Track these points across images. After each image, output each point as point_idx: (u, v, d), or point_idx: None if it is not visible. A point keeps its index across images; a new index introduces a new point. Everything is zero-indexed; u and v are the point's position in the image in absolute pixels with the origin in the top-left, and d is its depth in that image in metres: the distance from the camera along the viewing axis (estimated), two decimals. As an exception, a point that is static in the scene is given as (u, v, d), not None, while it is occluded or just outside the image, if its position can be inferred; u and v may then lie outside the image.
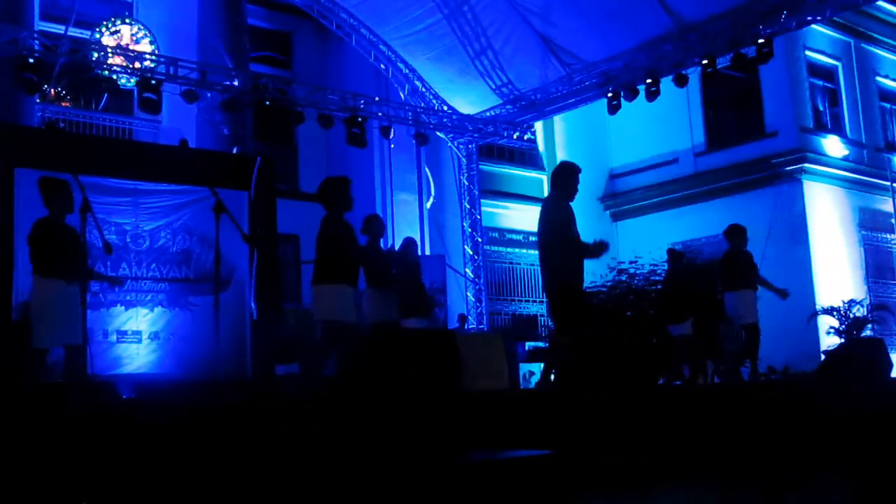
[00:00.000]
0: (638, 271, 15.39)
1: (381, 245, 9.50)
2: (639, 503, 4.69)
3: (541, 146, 20.59)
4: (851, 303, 16.08)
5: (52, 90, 14.50)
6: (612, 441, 4.72)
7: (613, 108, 14.43)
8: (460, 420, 3.59)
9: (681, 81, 13.62)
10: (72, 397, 6.76)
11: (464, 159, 17.33)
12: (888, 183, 18.99)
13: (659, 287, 12.71)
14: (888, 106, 21.13)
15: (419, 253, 11.69)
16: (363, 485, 3.21)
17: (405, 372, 3.25)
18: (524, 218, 19.55)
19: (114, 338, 10.99)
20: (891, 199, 18.89)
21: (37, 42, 11.93)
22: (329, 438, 3.53)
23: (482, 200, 17.54)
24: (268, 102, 13.40)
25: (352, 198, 7.63)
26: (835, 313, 15.85)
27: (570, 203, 7.63)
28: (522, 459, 3.80)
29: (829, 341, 15.39)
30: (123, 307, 11.04)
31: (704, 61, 13.07)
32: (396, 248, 10.67)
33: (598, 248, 7.43)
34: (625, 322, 13.26)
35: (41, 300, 7.05)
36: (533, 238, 19.25)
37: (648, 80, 13.70)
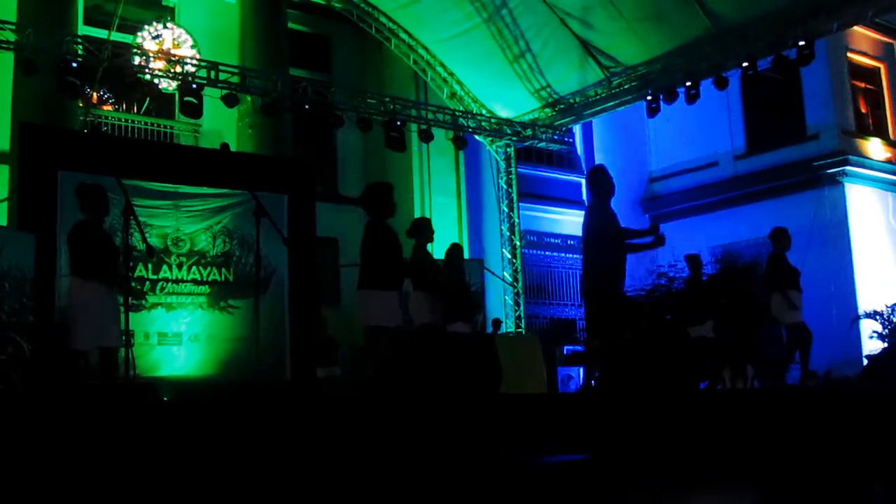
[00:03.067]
0: (678, 275, 15.26)
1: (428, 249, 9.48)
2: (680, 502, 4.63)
3: (579, 149, 20.49)
4: (895, 307, 15.81)
5: (95, 94, 14.65)
6: (650, 447, 4.65)
7: (652, 111, 14.30)
8: (500, 423, 3.55)
9: (721, 84, 13.46)
10: (108, 399, 6.80)
11: (502, 163, 17.25)
12: (931, 186, 18.70)
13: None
14: (932, 108, 20.79)
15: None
16: (400, 486, 3.18)
17: (447, 375, 3.23)
18: (562, 221, 19.47)
19: (154, 340, 11.08)
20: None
21: (80, 46, 12.05)
22: (368, 440, 3.51)
23: (520, 204, 17.45)
24: (307, 106, 13.43)
25: (395, 203, 7.62)
26: (878, 317, 15.60)
27: (611, 204, 7.62)
28: (561, 464, 3.75)
29: (871, 346, 15.15)
30: (164, 309, 11.12)
31: (745, 63, 12.90)
32: (436, 251, 10.63)
33: (649, 233, 7.42)
34: (664, 326, 13.14)
35: (78, 302, 7.09)
36: (571, 242, 19.28)
37: (688, 83, 13.56)
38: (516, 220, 17.23)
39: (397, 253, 7.39)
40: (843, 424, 5.44)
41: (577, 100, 15.55)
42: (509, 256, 17.08)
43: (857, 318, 15.81)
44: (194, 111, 12.40)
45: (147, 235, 10.75)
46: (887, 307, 15.92)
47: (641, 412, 4.81)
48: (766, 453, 5.30)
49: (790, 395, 7.32)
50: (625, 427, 4.64)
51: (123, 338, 7.37)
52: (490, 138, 16.91)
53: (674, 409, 4.96)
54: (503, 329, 15.75)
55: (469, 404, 3.30)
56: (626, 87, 14.65)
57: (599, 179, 7.78)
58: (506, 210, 17.26)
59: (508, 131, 16.58)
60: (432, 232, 9.18)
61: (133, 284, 10.91)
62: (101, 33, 13.56)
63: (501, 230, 17.27)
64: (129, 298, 7.81)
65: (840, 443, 5.27)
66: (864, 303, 16.55)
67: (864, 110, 19.23)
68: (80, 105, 13.48)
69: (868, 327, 15.95)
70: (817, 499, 5.02)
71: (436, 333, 6.95)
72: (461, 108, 16.08)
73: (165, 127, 15.36)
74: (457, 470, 3.29)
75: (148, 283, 11.01)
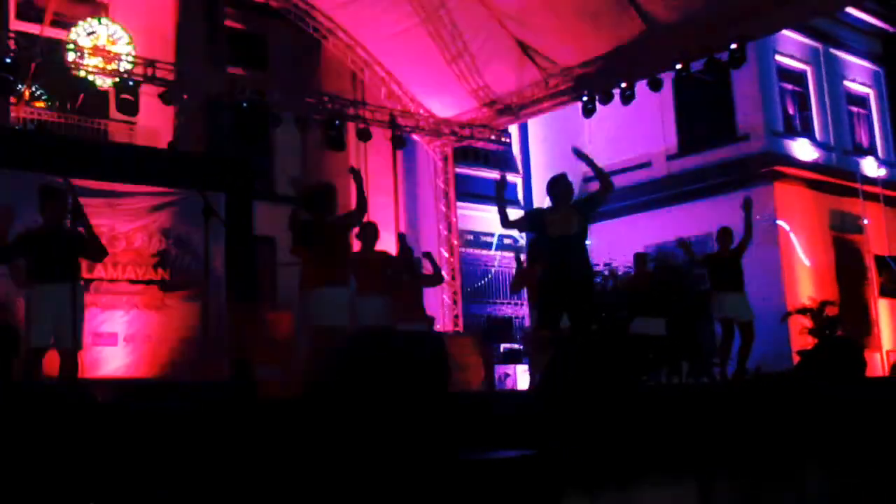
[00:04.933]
0: (616, 273, 15.41)
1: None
2: (622, 501, 4.68)
3: (516, 149, 20.60)
4: (824, 303, 16.17)
5: (26, 90, 14.31)
6: (594, 441, 4.69)
7: (588, 112, 14.45)
8: (449, 421, 3.55)
9: (655, 86, 13.66)
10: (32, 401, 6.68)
11: (440, 162, 17.29)
12: (856, 185, 19.16)
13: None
14: (855, 110, 21.33)
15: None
16: (351, 486, 3.16)
17: (393, 376, 3.22)
18: (498, 221, 19.51)
19: (90, 340, 10.87)
20: (860, 201, 19.06)
21: (11, 42, 11.78)
22: (315, 440, 3.48)
23: (458, 203, 17.50)
24: (245, 105, 13.30)
25: (336, 203, 7.64)
26: (808, 313, 15.94)
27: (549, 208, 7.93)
28: (507, 460, 3.76)
29: (801, 341, 15.47)
30: (99, 309, 10.92)
31: (678, 66, 13.12)
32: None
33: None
34: (614, 322, 13.28)
35: (32, 302, 7.03)
36: (508, 240, 19.35)
37: (623, 85, 13.73)
38: (454, 220, 17.27)
39: (345, 252, 7.40)
40: (777, 414, 5.56)
41: (515, 100, 15.63)
42: (447, 256, 17.11)
43: (786, 315, 16.13)
44: (131, 108, 12.22)
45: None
46: (818, 303, 16.26)
47: (584, 408, 4.85)
48: (705, 444, 5.39)
49: (727, 389, 7.46)
50: (568, 423, 4.67)
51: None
52: (428, 138, 16.92)
53: (617, 405, 5.02)
54: (437, 327, 15.75)
55: (417, 403, 3.30)
56: (562, 87, 14.77)
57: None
58: (444, 209, 17.28)
59: (446, 131, 16.61)
60: (377, 234, 9.18)
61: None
62: (33, 29, 13.26)
63: (439, 229, 17.30)
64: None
65: (775, 430, 5.40)
66: (795, 299, 16.89)
67: (791, 112, 19.63)
68: (13, 102, 13.18)
69: (798, 323, 16.27)
70: (755, 483, 5.13)
71: (380, 334, 6.95)
72: (399, 108, 16.07)
73: (99, 124, 15.06)
74: (402, 468, 3.28)
75: (82, 282, 10.80)
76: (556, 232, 7.67)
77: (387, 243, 11.04)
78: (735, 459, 5.22)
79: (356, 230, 8.93)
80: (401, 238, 10.70)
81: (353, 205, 8.40)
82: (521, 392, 8.02)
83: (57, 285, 6.93)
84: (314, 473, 3.29)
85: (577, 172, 21.04)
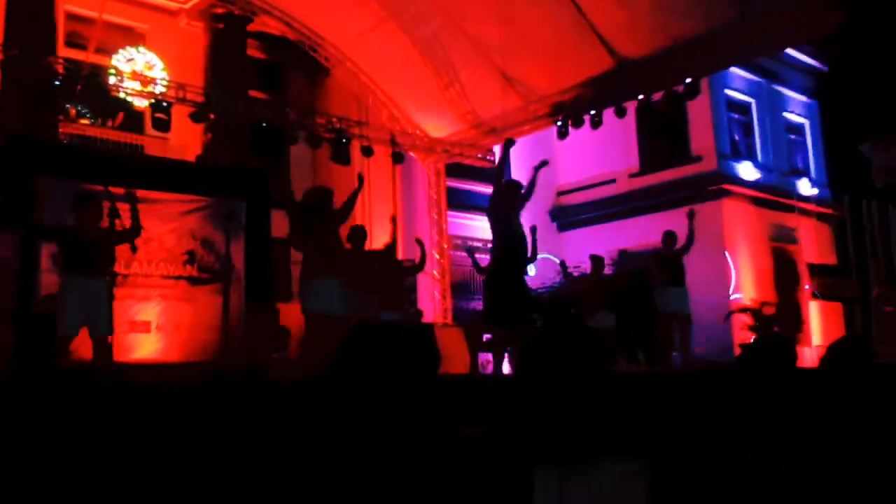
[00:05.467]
0: (581, 274, 15.42)
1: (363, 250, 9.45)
2: (584, 472, 4.67)
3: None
4: (763, 304, 16.24)
5: (73, 109, 14.28)
6: (561, 423, 4.68)
7: (562, 134, 14.48)
8: (441, 403, 3.55)
9: (621, 113, 13.69)
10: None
11: (433, 176, 17.29)
12: (793, 203, 19.27)
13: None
14: (793, 137, 21.43)
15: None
16: (355, 465, 3.16)
17: (390, 362, 3.22)
18: (485, 227, 19.52)
19: (127, 328, 10.86)
20: (795, 216, 19.16)
21: (60, 66, 11.75)
22: (316, 419, 3.48)
23: (448, 212, 17.51)
24: (264, 124, 13.30)
25: (333, 206, 7.64)
26: (749, 312, 16.00)
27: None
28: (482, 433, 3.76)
29: (741, 336, 15.54)
30: (135, 300, 10.92)
31: (641, 96, 13.17)
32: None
33: None
34: (567, 317, 13.30)
35: (65, 294, 6.98)
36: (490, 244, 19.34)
37: (593, 111, 13.76)
38: (444, 226, 17.28)
39: (337, 250, 7.39)
40: (719, 399, 5.57)
41: (499, 123, 15.65)
42: (438, 257, 17.12)
43: (730, 313, 16.19)
44: (163, 126, 12.20)
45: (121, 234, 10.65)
46: (758, 304, 16.32)
47: (539, 393, 4.83)
48: (653, 428, 5.39)
49: (674, 376, 7.47)
50: (524, 406, 4.65)
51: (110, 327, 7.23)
52: (423, 154, 16.93)
53: (569, 391, 5.01)
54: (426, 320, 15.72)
55: (413, 387, 3.30)
56: (540, 112, 14.78)
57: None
58: (435, 217, 17.29)
59: (439, 149, 16.62)
60: (365, 236, 9.19)
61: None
62: (79, 55, 13.23)
63: (432, 234, 17.29)
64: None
65: (718, 415, 5.41)
66: (737, 300, 16.97)
67: (737, 138, 19.71)
68: (61, 119, 13.14)
69: (739, 321, 16.34)
70: (698, 461, 5.14)
71: (375, 325, 6.95)
72: (398, 128, 16.07)
73: (136, 140, 15.03)
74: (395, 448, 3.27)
75: (120, 276, 10.80)
76: (519, 231, 7.65)
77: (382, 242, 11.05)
78: (684, 440, 5.23)
79: (346, 232, 8.87)
80: (389, 249, 10.54)
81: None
82: (503, 376, 8.01)
83: (89, 279, 6.88)
84: (316, 449, 3.29)
85: (550, 186, 21.19)
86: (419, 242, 10.82)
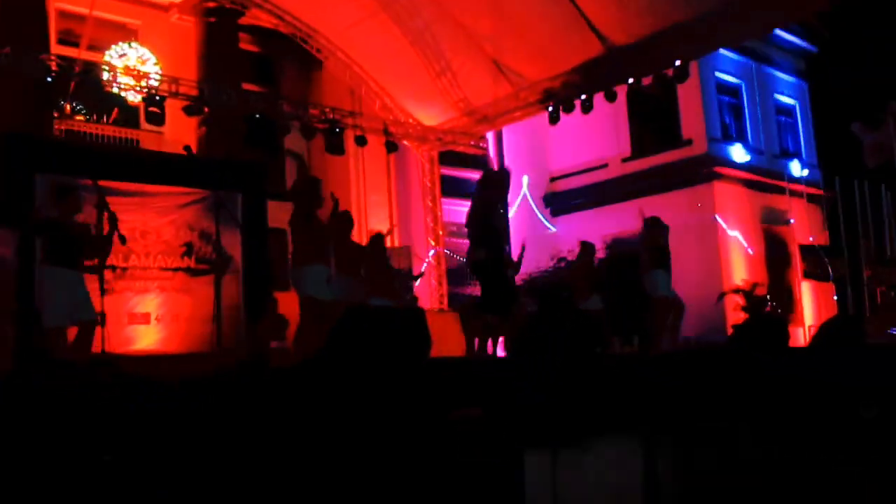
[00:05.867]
0: (573, 261, 15.48)
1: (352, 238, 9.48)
2: (578, 455, 4.71)
3: (492, 152, 20.59)
4: (755, 285, 16.30)
5: (68, 105, 14.26)
6: (552, 403, 4.72)
7: (554, 120, 14.49)
8: (431, 386, 3.59)
9: (611, 97, 13.71)
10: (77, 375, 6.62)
11: (427, 164, 17.29)
12: (784, 185, 19.29)
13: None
14: (783, 119, 21.46)
15: (387, 245, 11.65)
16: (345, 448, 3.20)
17: (381, 344, 3.27)
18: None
19: (126, 320, 10.88)
20: (787, 198, 19.19)
21: (53, 63, 11.73)
22: (312, 403, 3.51)
23: (443, 199, 17.52)
24: (258, 116, 13.29)
25: (323, 196, 7.69)
26: (741, 293, 16.07)
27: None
28: (476, 416, 3.80)
29: (733, 317, 15.61)
30: (134, 293, 10.93)
31: (631, 80, 13.18)
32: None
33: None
34: (558, 301, 13.34)
35: (48, 285, 6.95)
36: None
37: (583, 96, 13.77)
38: (439, 214, 17.29)
39: (324, 236, 7.45)
40: (713, 379, 5.61)
41: (491, 110, 15.66)
42: (433, 244, 17.15)
43: (722, 294, 16.26)
44: (158, 120, 12.19)
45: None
46: (750, 285, 16.39)
47: (535, 381, 4.87)
48: (648, 408, 5.43)
49: (665, 357, 7.49)
50: (532, 385, 4.69)
51: (99, 314, 7.23)
52: (416, 143, 16.93)
53: (563, 373, 5.05)
54: (421, 306, 15.79)
55: (404, 369, 3.35)
56: (531, 99, 14.79)
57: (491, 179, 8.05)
58: (430, 205, 17.31)
59: (432, 137, 16.62)
60: (352, 222, 9.22)
61: (105, 272, 10.79)
62: (72, 52, 13.20)
63: (426, 222, 17.32)
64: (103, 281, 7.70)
65: (711, 394, 5.44)
66: (730, 282, 17.03)
67: (728, 121, 19.73)
68: (56, 116, 13.12)
69: (732, 302, 16.42)
70: (692, 440, 5.18)
71: (364, 309, 6.99)
72: (391, 118, 16.07)
73: (132, 135, 15.03)
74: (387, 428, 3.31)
75: (118, 269, 10.82)
76: (503, 222, 7.68)
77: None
78: (675, 421, 5.27)
79: (331, 219, 8.88)
80: (376, 238, 10.41)
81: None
82: (495, 358, 8.06)
83: (69, 270, 6.87)
84: (313, 434, 3.32)
85: (543, 172, 21.23)
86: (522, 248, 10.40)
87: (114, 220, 7.44)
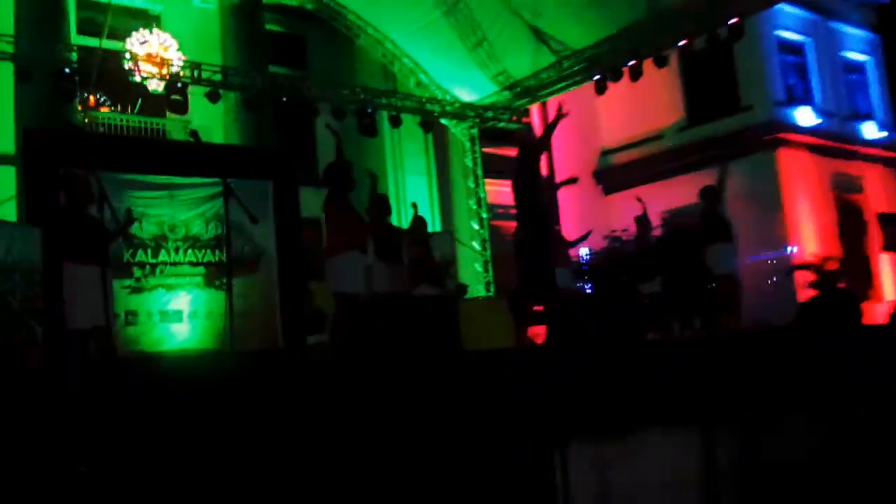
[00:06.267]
0: (629, 238, 15.30)
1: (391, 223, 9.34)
2: (626, 449, 4.65)
3: (537, 128, 20.44)
4: (825, 258, 15.92)
5: (92, 97, 14.46)
6: (600, 393, 4.67)
7: (600, 90, 14.30)
8: (460, 374, 3.56)
9: (660, 62, 13.46)
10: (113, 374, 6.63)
11: (467, 143, 17.21)
12: (856, 148, 18.80)
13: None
14: (853, 77, 20.88)
15: (429, 230, 11.53)
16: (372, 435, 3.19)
17: (403, 335, 3.23)
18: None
19: (157, 318, 11.04)
20: (860, 163, 18.72)
21: (74, 54, 11.90)
22: (345, 397, 3.50)
23: (486, 179, 17.43)
24: (285, 99, 13.32)
25: (354, 180, 7.57)
26: (810, 268, 15.70)
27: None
28: (516, 407, 3.76)
29: (805, 295, 15.26)
30: (164, 290, 11.08)
31: (681, 42, 12.92)
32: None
33: None
34: (616, 284, 13.19)
35: (65, 284, 6.83)
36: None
37: (631, 63, 13.54)
38: (482, 195, 17.21)
39: (358, 222, 7.35)
40: (769, 365, 5.48)
41: (532, 83, 15.50)
42: (477, 228, 17.08)
43: (791, 270, 15.91)
44: (180, 108, 12.29)
45: (145, 223, 10.77)
46: (821, 259, 16.01)
47: (590, 362, 4.82)
48: (706, 395, 5.33)
49: (725, 341, 7.35)
50: (576, 373, 4.64)
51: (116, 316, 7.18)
52: (455, 121, 16.85)
53: (620, 359, 4.98)
54: (472, 294, 15.69)
55: (428, 359, 3.31)
56: (575, 68, 14.63)
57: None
58: (472, 186, 17.23)
59: (471, 114, 16.54)
60: (389, 206, 9.07)
61: (134, 269, 10.94)
62: (93, 42, 13.37)
63: (469, 205, 17.26)
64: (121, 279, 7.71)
65: (770, 381, 5.33)
66: (799, 256, 16.67)
67: (792, 82, 19.27)
68: (80, 108, 13.32)
69: (804, 278, 16.06)
70: (751, 431, 5.07)
71: (396, 299, 6.88)
72: (427, 95, 16.01)
73: (158, 125, 15.20)
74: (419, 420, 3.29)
75: (148, 266, 10.97)
76: (545, 198, 7.45)
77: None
78: (735, 409, 5.15)
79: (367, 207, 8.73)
80: (418, 221, 10.23)
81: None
82: (535, 347, 7.94)
83: (86, 267, 6.73)
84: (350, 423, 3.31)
85: (594, 146, 21.00)
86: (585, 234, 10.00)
87: (126, 214, 7.41)
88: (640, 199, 10.93)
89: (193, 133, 7.58)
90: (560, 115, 7.85)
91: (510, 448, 3.18)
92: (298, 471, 3.35)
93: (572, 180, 8.01)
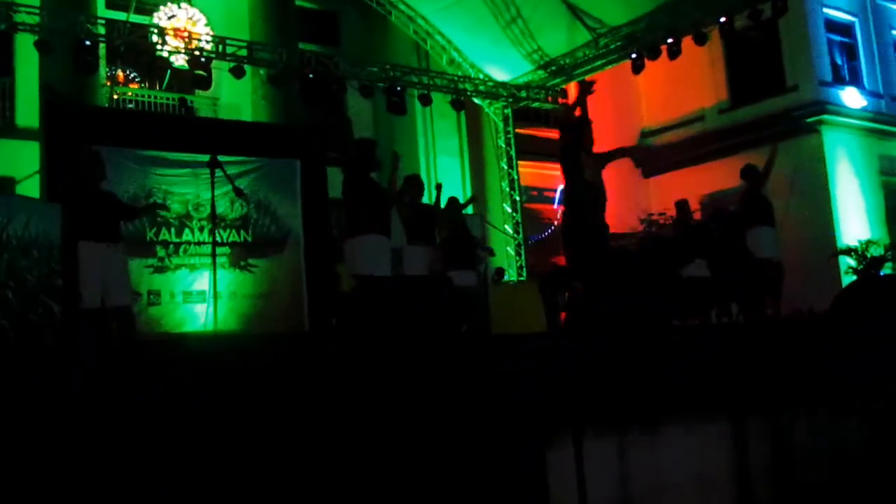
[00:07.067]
0: (666, 223, 15.02)
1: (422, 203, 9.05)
2: (650, 438, 4.44)
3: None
4: (868, 243, 15.46)
5: (121, 73, 14.43)
6: (624, 379, 4.43)
7: (638, 68, 13.95)
8: (467, 357, 3.36)
9: (700, 40, 13.08)
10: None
11: (500, 123, 16.94)
12: (906, 130, 18.26)
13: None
14: (905, 57, 20.25)
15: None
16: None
17: (402, 317, 3.06)
18: (559, 177, 19.14)
19: (180, 298, 10.96)
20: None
21: (100, 27, 11.81)
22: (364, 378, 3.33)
23: (520, 161, 17.16)
24: (311, 76, 13.11)
25: (378, 159, 7.36)
26: (853, 254, 15.26)
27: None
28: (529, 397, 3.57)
29: (848, 281, 14.84)
30: (188, 270, 11.00)
31: (722, 19, 12.54)
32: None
33: None
34: (653, 267, 12.86)
35: (80, 262, 6.73)
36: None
37: (670, 40, 13.18)
38: (515, 177, 16.96)
39: (381, 203, 7.12)
40: (807, 354, 5.21)
41: (567, 61, 15.20)
42: (510, 210, 16.84)
43: (834, 254, 15.48)
44: (204, 84, 12.16)
45: (169, 202, 10.66)
46: (861, 243, 15.57)
47: (615, 348, 4.58)
48: (737, 383, 5.07)
49: (758, 328, 7.08)
50: (597, 361, 4.41)
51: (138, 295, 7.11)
52: (488, 101, 16.59)
53: (647, 345, 4.74)
54: (506, 278, 15.49)
55: (429, 339, 3.12)
56: (612, 46, 14.32)
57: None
58: (505, 167, 16.98)
59: (504, 93, 16.26)
60: (422, 186, 8.78)
61: (158, 248, 10.88)
62: (121, 16, 13.30)
63: (501, 187, 17.01)
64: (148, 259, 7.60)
65: (805, 371, 5.05)
66: (844, 241, 16.23)
67: (839, 62, 18.75)
68: (108, 84, 13.28)
69: (847, 264, 15.63)
70: (784, 423, 4.82)
71: (383, 280, 6.58)
72: (460, 74, 15.76)
73: (186, 101, 15.13)
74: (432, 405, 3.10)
75: (172, 245, 10.90)
76: (589, 176, 7.12)
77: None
78: (765, 398, 4.89)
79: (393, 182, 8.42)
80: (452, 202, 9.90)
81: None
82: (553, 332, 7.69)
83: (100, 245, 6.62)
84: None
85: (634, 126, 20.62)
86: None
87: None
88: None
89: (188, 111, 7.40)
90: (585, 89, 7.55)
91: (515, 447, 2.98)
92: (298, 468, 3.19)
93: (621, 151, 7.70)
